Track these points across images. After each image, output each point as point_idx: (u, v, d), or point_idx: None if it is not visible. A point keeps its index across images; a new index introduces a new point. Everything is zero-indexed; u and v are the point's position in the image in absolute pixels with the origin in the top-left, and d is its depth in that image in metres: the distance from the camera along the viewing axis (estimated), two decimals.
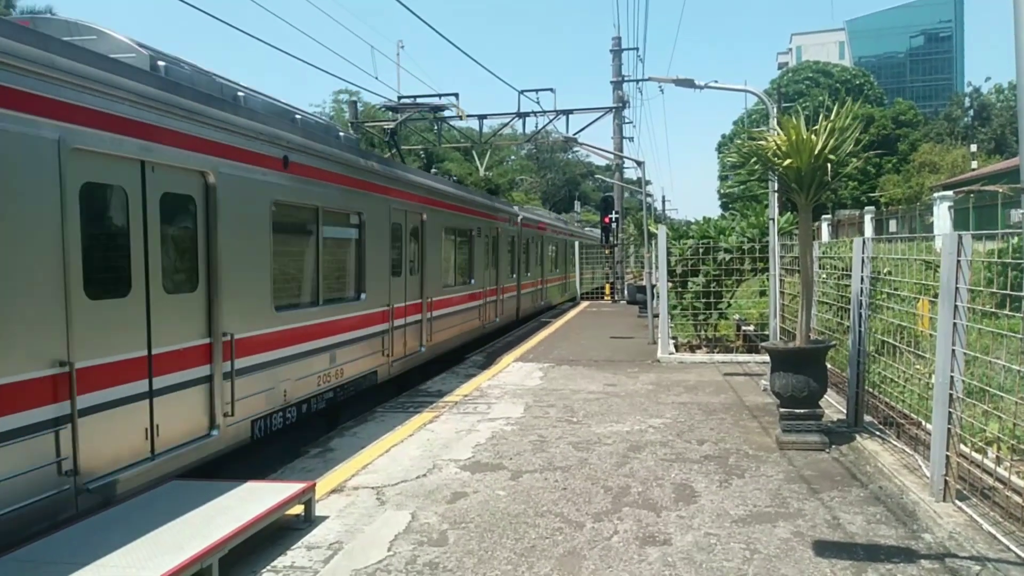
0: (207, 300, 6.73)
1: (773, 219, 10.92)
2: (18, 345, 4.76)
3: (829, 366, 8.67)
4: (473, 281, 15.72)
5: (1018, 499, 5.00)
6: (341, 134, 10.58)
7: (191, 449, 6.43)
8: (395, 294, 11.13)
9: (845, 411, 8.23)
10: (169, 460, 6.12)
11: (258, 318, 7.51)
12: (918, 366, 6.87)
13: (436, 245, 13.11)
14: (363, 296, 10.16)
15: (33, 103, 4.88)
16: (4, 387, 4.64)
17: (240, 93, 8.08)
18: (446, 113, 20.91)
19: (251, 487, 5.43)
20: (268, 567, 4.63)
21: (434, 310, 12.83)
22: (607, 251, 30.59)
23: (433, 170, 38.82)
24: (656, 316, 14.55)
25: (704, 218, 16.29)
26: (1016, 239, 11.41)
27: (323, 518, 5.44)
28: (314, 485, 5.56)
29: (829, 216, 30.79)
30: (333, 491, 6.08)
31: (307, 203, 8.73)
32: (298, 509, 5.36)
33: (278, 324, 7.89)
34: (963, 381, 5.41)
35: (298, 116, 9.21)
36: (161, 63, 6.86)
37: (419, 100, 21.27)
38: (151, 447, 5.98)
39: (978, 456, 5.82)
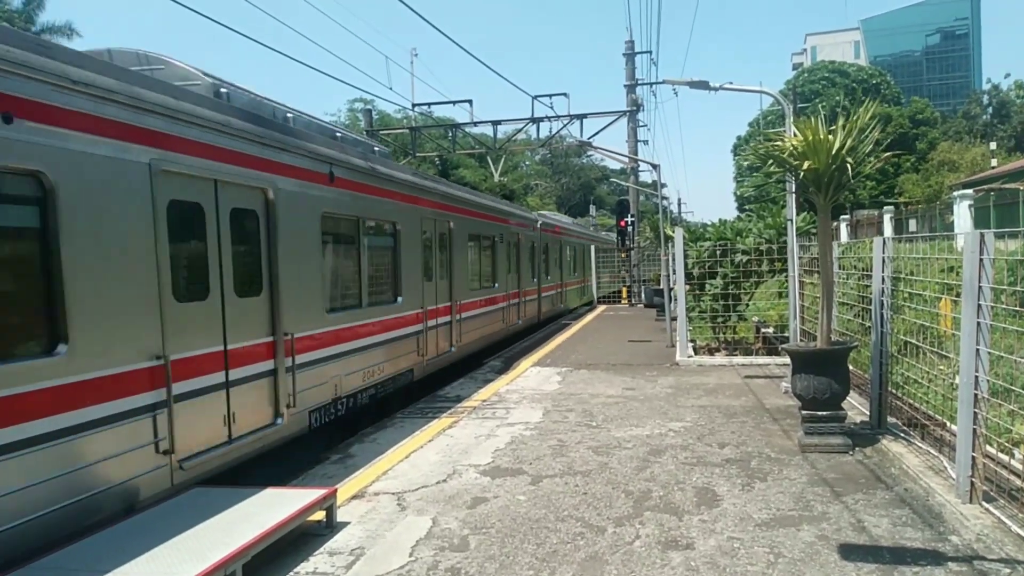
0: (270, 302, 7.35)
1: (791, 220, 10.83)
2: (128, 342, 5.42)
3: (851, 367, 8.58)
4: (496, 285, 16.59)
5: None
6: (376, 148, 11.47)
7: (260, 436, 6.99)
8: (427, 297, 11.89)
9: (868, 413, 8.14)
10: (243, 445, 6.73)
11: (312, 319, 8.11)
12: (941, 366, 6.78)
13: (463, 251, 14.07)
14: (399, 299, 10.83)
15: (131, 132, 5.53)
16: (118, 374, 5.30)
17: (289, 115, 8.69)
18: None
19: (273, 493, 5.47)
20: (291, 573, 4.66)
21: (463, 312, 13.77)
22: (623, 255, 30.54)
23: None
24: (674, 319, 14.48)
25: (720, 220, 16.21)
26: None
27: (344, 524, 5.46)
28: (335, 491, 5.60)
29: (848, 216, 30.49)
30: (354, 497, 6.10)
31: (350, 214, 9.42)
32: (320, 515, 5.39)
33: (329, 324, 8.57)
34: (988, 381, 5.34)
35: (338, 134, 10.19)
36: (224, 89, 7.43)
37: (433, 106, 21.49)
38: (228, 432, 6.56)
39: (1005, 457, 5.73)
